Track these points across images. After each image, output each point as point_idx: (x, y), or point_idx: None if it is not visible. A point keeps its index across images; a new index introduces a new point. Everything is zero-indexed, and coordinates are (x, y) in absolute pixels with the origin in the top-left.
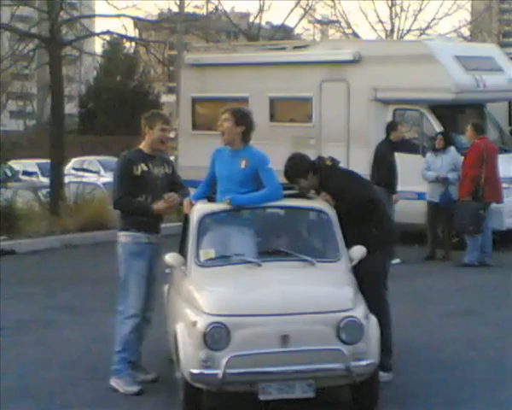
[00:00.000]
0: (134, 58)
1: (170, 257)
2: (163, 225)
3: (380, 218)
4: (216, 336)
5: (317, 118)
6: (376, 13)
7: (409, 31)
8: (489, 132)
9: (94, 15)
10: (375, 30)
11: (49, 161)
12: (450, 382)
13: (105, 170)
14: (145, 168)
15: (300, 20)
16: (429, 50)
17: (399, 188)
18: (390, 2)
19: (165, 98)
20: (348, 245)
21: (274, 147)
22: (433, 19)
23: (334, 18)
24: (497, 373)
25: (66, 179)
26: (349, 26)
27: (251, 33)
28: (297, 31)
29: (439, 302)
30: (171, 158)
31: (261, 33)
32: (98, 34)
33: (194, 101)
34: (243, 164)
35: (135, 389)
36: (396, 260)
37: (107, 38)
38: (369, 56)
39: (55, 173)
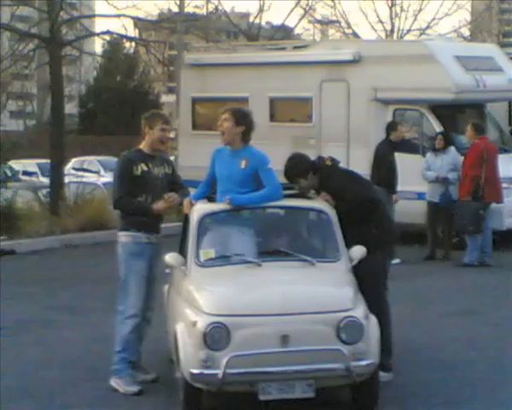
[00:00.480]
0: (134, 58)
1: (170, 257)
2: (163, 225)
3: (380, 218)
4: (216, 336)
5: (317, 118)
6: (376, 13)
7: (409, 31)
8: (489, 132)
9: (94, 15)
10: (375, 30)
11: (49, 161)
12: (450, 382)
13: (105, 170)
14: (145, 168)
15: (300, 20)
16: (429, 50)
17: (399, 188)
18: (390, 2)
19: (165, 98)
20: (348, 245)
21: (274, 147)
22: (433, 19)
23: (334, 18)
24: (497, 373)
25: (66, 179)
26: (349, 26)
27: (251, 33)
28: (297, 31)
29: (439, 302)
30: (171, 158)
31: (261, 33)
32: (98, 34)
33: (194, 101)
34: (243, 164)
35: (135, 389)
36: (396, 260)
37: (107, 38)
38: (369, 56)
39: (55, 173)
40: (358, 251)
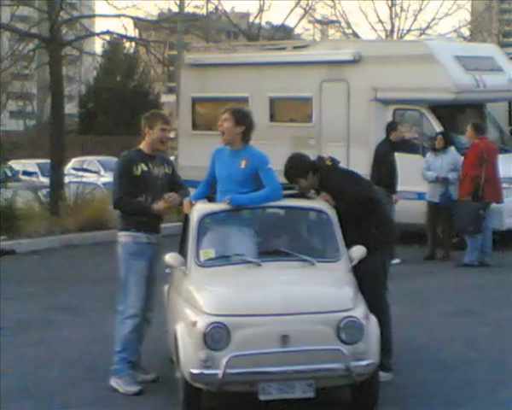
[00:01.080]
0: (134, 58)
1: (170, 257)
2: (163, 225)
3: (380, 218)
4: (216, 336)
5: (317, 118)
6: (376, 13)
7: (409, 31)
8: (489, 132)
9: (94, 15)
10: (375, 30)
11: (49, 161)
12: (450, 382)
13: (105, 170)
14: (145, 168)
15: (300, 20)
16: (429, 50)
17: (399, 188)
18: (390, 2)
19: (165, 98)
20: (348, 245)
21: (274, 147)
22: (433, 19)
23: (334, 18)
24: (497, 373)
25: (66, 179)
26: (349, 26)
27: (251, 33)
28: (297, 31)
29: (439, 302)
30: (171, 158)
31: (261, 33)
32: (98, 34)
33: (194, 101)
34: (243, 164)
35: (135, 389)
36: (396, 260)
37: (107, 38)
38: (369, 56)
39: (55, 173)
40: (358, 251)
